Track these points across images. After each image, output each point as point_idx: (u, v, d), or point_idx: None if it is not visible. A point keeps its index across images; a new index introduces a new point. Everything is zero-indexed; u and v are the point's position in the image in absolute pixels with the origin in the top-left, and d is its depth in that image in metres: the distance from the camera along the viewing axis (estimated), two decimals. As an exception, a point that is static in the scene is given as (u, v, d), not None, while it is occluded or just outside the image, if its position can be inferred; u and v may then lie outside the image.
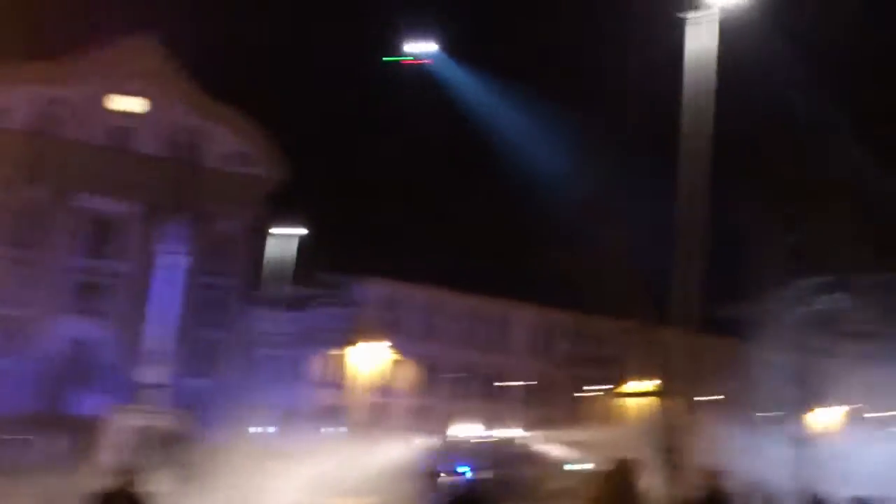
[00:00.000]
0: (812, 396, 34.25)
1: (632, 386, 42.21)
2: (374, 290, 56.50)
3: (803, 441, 30.73)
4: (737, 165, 37.92)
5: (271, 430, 52.67)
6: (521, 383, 57.65)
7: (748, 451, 40.10)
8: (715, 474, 6.99)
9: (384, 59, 35.44)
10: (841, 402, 44.25)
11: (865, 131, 32.88)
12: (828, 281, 37.24)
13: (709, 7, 18.10)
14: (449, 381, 57.11)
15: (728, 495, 6.87)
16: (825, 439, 37.66)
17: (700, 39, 18.04)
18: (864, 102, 33.81)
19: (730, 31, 20.51)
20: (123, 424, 37.65)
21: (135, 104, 56.21)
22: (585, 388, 52.82)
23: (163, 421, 39.07)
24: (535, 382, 58.15)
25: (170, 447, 34.70)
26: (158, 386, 41.71)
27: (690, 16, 18.05)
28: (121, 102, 55.92)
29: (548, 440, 49.88)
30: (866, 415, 45.38)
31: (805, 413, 32.41)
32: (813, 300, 36.80)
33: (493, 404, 57.09)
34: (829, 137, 34.34)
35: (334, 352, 54.65)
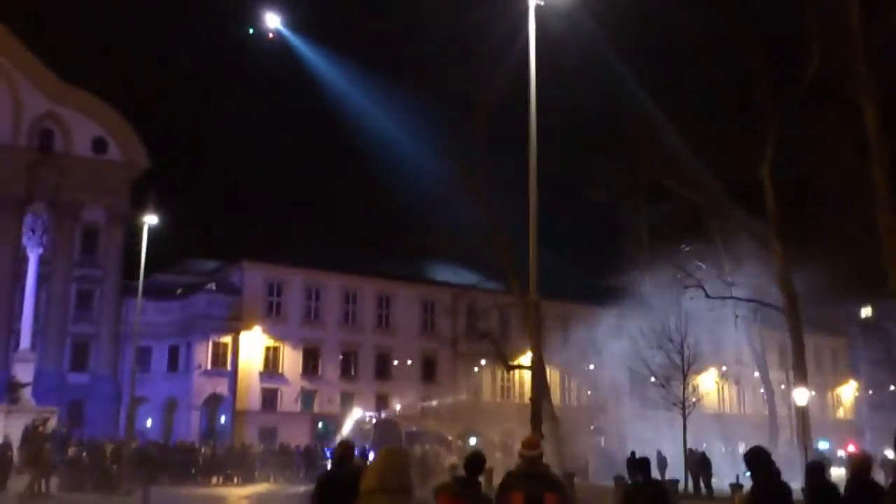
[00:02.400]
0: (690, 361, 35.69)
1: (518, 358, 42.95)
2: (253, 274, 55.51)
3: (685, 404, 31.99)
4: (599, 146, 39.42)
5: (151, 422, 51.54)
6: (408, 361, 57.96)
7: (632, 418, 41.77)
8: (532, 444, 7.15)
9: (249, 30, 34.83)
10: (715, 365, 46.48)
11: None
12: (698, 248, 38.91)
13: None
14: (336, 362, 56.89)
15: (536, 474, 7.07)
16: (703, 401, 39.52)
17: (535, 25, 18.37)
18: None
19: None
20: (-2, 424, 36.11)
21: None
22: (471, 362, 53.59)
23: (40, 418, 37.65)
24: (422, 359, 58.62)
25: (46, 445, 33.44)
26: (31, 383, 40.21)
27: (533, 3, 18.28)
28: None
29: (436, 418, 50.54)
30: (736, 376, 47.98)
31: (684, 377, 33.73)
32: (685, 266, 38.33)
33: (381, 383, 57.26)
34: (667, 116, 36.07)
35: (216, 339, 53.58)
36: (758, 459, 7.28)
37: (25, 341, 41.35)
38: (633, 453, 23.11)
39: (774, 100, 32.28)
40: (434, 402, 52.08)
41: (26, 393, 39.75)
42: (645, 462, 9.69)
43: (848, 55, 27.24)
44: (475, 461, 7.29)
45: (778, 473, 7.15)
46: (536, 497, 6.43)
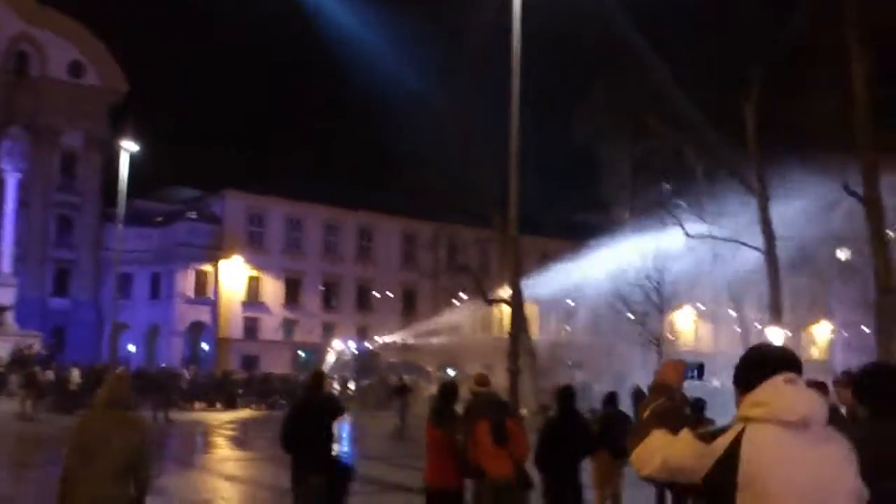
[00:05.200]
0: (667, 300, 36.28)
1: (496, 292, 43.37)
2: (234, 203, 55.44)
3: (660, 340, 32.55)
4: (585, 80, 39.29)
5: (134, 348, 51.89)
6: (388, 294, 58.45)
7: (608, 353, 42.51)
8: (482, 381, 7.66)
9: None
10: (692, 304, 47.19)
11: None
12: (679, 186, 39.11)
13: None
14: (317, 293, 57.24)
15: (496, 403, 7.65)
16: (679, 339, 40.30)
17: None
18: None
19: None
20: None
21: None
22: (451, 295, 53.96)
23: (23, 343, 37.95)
24: (402, 292, 59.11)
25: (30, 369, 33.74)
26: (13, 307, 40.39)
27: None
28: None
29: (416, 350, 51.11)
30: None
31: (661, 314, 34.25)
32: (661, 204, 38.61)
33: (362, 315, 57.77)
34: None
35: (198, 267, 53.70)
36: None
37: (6, 266, 41.37)
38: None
39: (762, 41, 32.16)
40: (413, 335, 52.58)
41: (9, 317, 39.94)
42: (613, 395, 11.21)
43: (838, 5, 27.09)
44: (449, 390, 7.74)
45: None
46: (499, 423, 6.82)
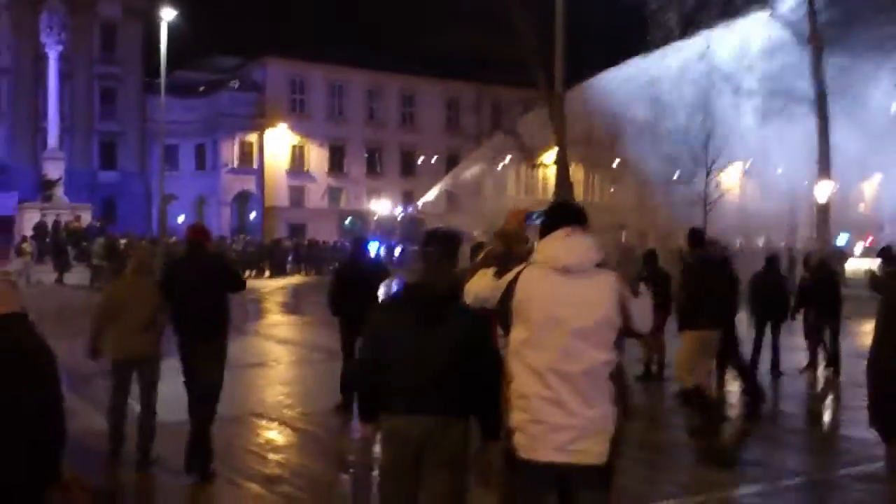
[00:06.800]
0: (713, 156, 35.62)
1: (541, 156, 43.01)
2: (275, 70, 54.95)
3: (707, 197, 32.11)
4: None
5: (182, 219, 52.68)
6: (433, 159, 58.21)
7: (650, 214, 42.24)
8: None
9: None
10: (739, 160, 46.32)
11: None
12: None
13: None
14: (361, 160, 57.24)
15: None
16: (725, 196, 39.88)
17: None
18: None
19: None
20: (32, 220, 37.15)
21: None
22: (496, 159, 53.57)
23: (71, 214, 38.68)
24: (447, 157, 58.78)
25: (80, 240, 34.51)
26: (62, 180, 40.88)
27: None
28: None
29: (461, 214, 51.18)
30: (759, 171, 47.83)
31: (708, 172, 33.71)
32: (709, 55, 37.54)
33: (407, 181, 57.81)
34: None
35: (242, 137, 53.83)
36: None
37: (53, 140, 41.65)
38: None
39: None
40: (455, 192, 52.45)
41: (59, 191, 40.54)
42: (652, 252, 12.24)
43: None
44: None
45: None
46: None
